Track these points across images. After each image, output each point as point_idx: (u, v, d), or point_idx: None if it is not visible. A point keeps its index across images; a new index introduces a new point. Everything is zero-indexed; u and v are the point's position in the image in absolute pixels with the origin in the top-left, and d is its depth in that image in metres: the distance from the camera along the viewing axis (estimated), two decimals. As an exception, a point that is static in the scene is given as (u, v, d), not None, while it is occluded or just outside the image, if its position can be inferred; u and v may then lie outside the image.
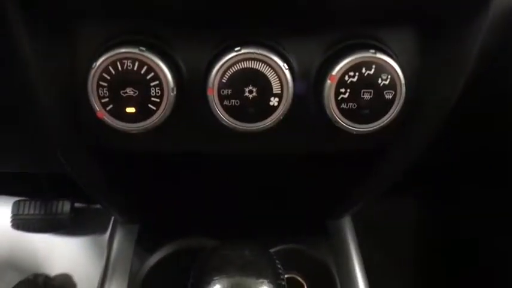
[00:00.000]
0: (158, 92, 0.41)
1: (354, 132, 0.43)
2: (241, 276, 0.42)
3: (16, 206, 1.03)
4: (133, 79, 0.41)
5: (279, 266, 0.44)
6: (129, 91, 0.41)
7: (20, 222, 1.04)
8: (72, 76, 0.43)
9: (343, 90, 0.42)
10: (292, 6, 0.40)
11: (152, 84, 0.41)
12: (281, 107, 0.42)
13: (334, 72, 0.42)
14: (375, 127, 0.43)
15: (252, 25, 0.42)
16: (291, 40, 0.42)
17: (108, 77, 0.41)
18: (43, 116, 0.47)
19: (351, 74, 0.42)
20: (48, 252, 1.06)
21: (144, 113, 0.42)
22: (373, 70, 0.42)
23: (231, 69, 0.41)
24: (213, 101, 0.42)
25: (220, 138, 0.44)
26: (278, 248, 0.56)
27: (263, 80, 0.41)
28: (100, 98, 0.42)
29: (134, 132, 0.43)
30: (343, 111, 0.43)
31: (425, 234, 0.94)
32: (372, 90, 0.42)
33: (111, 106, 0.42)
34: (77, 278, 1.03)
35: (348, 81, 0.42)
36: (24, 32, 0.42)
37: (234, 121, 0.42)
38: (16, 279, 0.99)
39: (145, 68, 0.41)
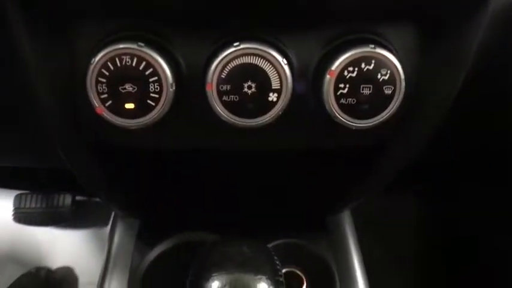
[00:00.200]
0: (157, 88, 0.41)
1: (354, 128, 0.43)
2: (240, 272, 0.42)
3: (18, 200, 1.04)
4: (132, 75, 0.41)
5: (277, 263, 0.44)
6: (128, 87, 0.41)
7: (22, 216, 1.04)
8: (71, 74, 0.43)
9: (342, 85, 0.42)
10: (292, 6, 0.40)
11: (151, 80, 0.41)
12: (280, 102, 0.42)
13: (333, 68, 0.41)
14: (374, 122, 0.43)
15: (252, 23, 0.41)
16: (290, 36, 0.42)
17: (107, 73, 0.41)
18: (43, 114, 0.47)
19: (350, 69, 0.41)
20: (50, 246, 1.06)
21: (143, 108, 0.42)
22: (372, 65, 0.41)
23: (229, 65, 0.41)
24: (212, 97, 0.41)
25: (219, 134, 0.44)
26: (278, 242, 0.56)
27: (262, 75, 0.41)
28: (99, 94, 0.41)
29: (133, 128, 0.42)
30: (342, 107, 0.42)
31: (425, 231, 0.94)
32: (371, 86, 0.42)
33: (110, 102, 0.42)
34: (78, 271, 1.04)
35: (347, 77, 0.42)
36: (24, 32, 0.42)
37: (233, 117, 0.42)
38: (18, 273, 1.00)
39: (143, 63, 0.41)
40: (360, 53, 0.41)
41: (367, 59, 0.41)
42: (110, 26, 0.42)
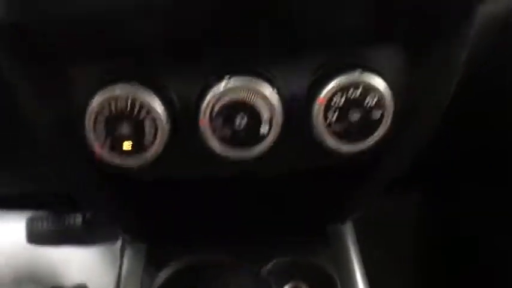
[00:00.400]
0: (152, 127, 0.43)
1: (345, 152, 0.45)
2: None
3: (30, 222, 1.06)
4: (127, 116, 0.42)
5: None
6: (124, 127, 0.43)
7: (35, 237, 1.07)
8: (68, 116, 0.44)
9: (331, 112, 0.43)
10: (277, 39, 0.41)
11: (146, 120, 0.42)
12: (272, 132, 0.43)
13: (321, 95, 0.43)
14: (365, 146, 0.44)
15: (239, 57, 0.43)
16: (278, 65, 0.43)
17: (104, 116, 0.42)
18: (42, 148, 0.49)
19: (339, 95, 0.43)
20: (63, 264, 1.09)
21: (140, 147, 0.43)
22: (360, 90, 0.43)
23: (221, 101, 0.42)
24: (205, 132, 0.43)
25: (214, 164, 0.45)
26: (279, 258, 0.57)
27: (252, 108, 0.42)
28: (97, 136, 0.43)
29: (132, 166, 0.44)
30: (332, 133, 0.44)
31: (425, 231, 0.95)
32: (360, 111, 0.43)
33: (108, 143, 0.43)
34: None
35: (336, 103, 0.43)
36: (17, 78, 0.44)
37: (227, 150, 0.43)
38: (35, 293, 1.02)
39: (138, 104, 0.42)
40: (347, 79, 0.42)
41: (354, 85, 0.43)
42: (102, 68, 0.43)
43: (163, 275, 0.59)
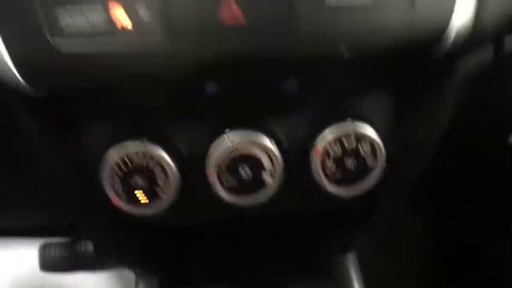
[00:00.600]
0: (164, 179, 0.46)
1: (344, 195, 0.48)
2: None
3: (42, 250, 1.10)
4: (141, 170, 0.46)
5: None
6: (139, 181, 0.47)
7: (47, 264, 1.10)
8: (84, 169, 0.48)
9: (328, 160, 0.47)
10: (273, 98, 0.45)
11: (159, 173, 0.46)
12: (275, 181, 0.47)
13: (318, 145, 0.47)
14: (361, 190, 0.48)
15: (240, 114, 0.46)
16: (277, 120, 0.47)
17: (119, 170, 0.46)
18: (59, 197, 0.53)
19: (334, 145, 0.46)
20: (77, 290, 1.12)
21: (154, 198, 0.47)
22: (353, 139, 0.46)
23: (226, 153, 0.46)
24: (213, 183, 0.47)
25: (222, 210, 0.49)
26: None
27: (256, 160, 0.46)
28: (114, 188, 0.47)
29: (147, 215, 0.48)
30: (330, 179, 0.47)
31: (427, 240, 0.96)
32: (354, 158, 0.47)
33: (124, 194, 0.47)
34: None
35: (332, 152, 0.47)
36: (34, 131, 0.48)
37: (234, 197, 0.47)
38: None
39: (150, 159, 0.46)
40: (341, 129, 0.46)
41: (348, 135, 0.46)
42: (115, 127, 0.47)
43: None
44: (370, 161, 0.47)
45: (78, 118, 0.47)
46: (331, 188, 0.48)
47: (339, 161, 0.47)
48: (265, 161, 0.46)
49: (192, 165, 0.47)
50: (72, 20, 0.35)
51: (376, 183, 0.48)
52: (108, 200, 0.48)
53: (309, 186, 0.48)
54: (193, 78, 0.38)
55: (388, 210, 0.59)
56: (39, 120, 0.47)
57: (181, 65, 0.37)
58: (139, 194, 0.47)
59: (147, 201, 0.47)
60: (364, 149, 0.47)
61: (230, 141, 0.45)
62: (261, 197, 0.47)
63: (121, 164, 0.46)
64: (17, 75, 0.38)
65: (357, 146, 0.47)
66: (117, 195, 0.47)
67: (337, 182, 0.48)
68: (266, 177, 0.47)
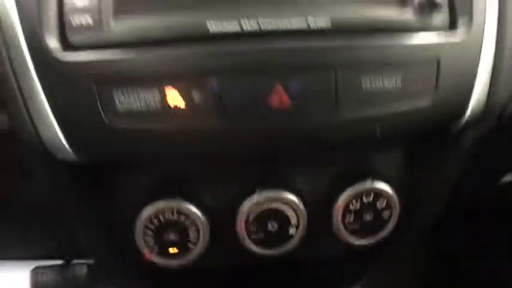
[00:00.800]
0: (195, 234, 0.49)
1: (359, 245, 0.52)
2: None
3: (35, 275, 1.09)
4: (173, 225, 0.49)
5: None
6: (171, 235, 0.49)
7: (40, 288, 1.10)
8: (118, 225, 0.50)
9: (348, 215, 0.51)
10: (298, 156, 0.48)
11: (190, 228, 0.49)
12: (299, 233, 0.50)
13: (339, 202, 0.50)
14: (376, 240, 0.52)
15: (269, 174, 0.50)
16: (302, 179, 0.51)
17: (152, 226, 0.48)
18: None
19: (354, 201, 0.50)
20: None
21: (184, 251, 0.50)
22: (371, 196, 0.50)
23: (255, 210, 0.49)
24: (242, 237, 0.50)
25: (248, 260, 0.52)
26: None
27: (282, 215, 0.50)
28: (146, 243, 0.49)
29: (176, 267, 0.50)
30: (349, 231, 0.51)
31: (426, 257, 1.00)
32: (371, 213, 0.51)
33: (156, 249, 0.49)
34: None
35: (352, 207, 0.50)
36: (70, 186, 0.49)
37: (261, 250, 0.50)
38: None
39: (182, 215, 0.48)
40: (361, 188, 0.50)
41: (367, 192, 0.50)
42: (150, 188, 0.49)
43: None
44: (386, 215, 0.51)
45: (116, 180, 0.50)
46: (349, 238, 0.51)
47: (358, 215, 0.51)
48: (291, 216, 0.50)
49: (221, 221, 0.50)
50: (128, 100, 0.37)
51: (391, 233, 0.52)
52: (135, 251, 0.50)
53: (329, 237, 0.52)
54: (240, 153, 0.41)
55: (400, 251, 0.63)
56: (78, 181, 0.49)
57: (232, 141, 0.40)
58: (170, 248, 0.50)
59: (177, 251, 0.49)
60: (381, 204, 0.51)
61: (259, 197, 0.49)
62: (286, 247, 0.51)
63: (154, 219, 0.48)
64: (67, 147, 0.40)
65: (374, 201, 0.51)
66: (148, 248, 0.49)
67: (355, 232, 0.52)
68: (292, 230, 0.50)
